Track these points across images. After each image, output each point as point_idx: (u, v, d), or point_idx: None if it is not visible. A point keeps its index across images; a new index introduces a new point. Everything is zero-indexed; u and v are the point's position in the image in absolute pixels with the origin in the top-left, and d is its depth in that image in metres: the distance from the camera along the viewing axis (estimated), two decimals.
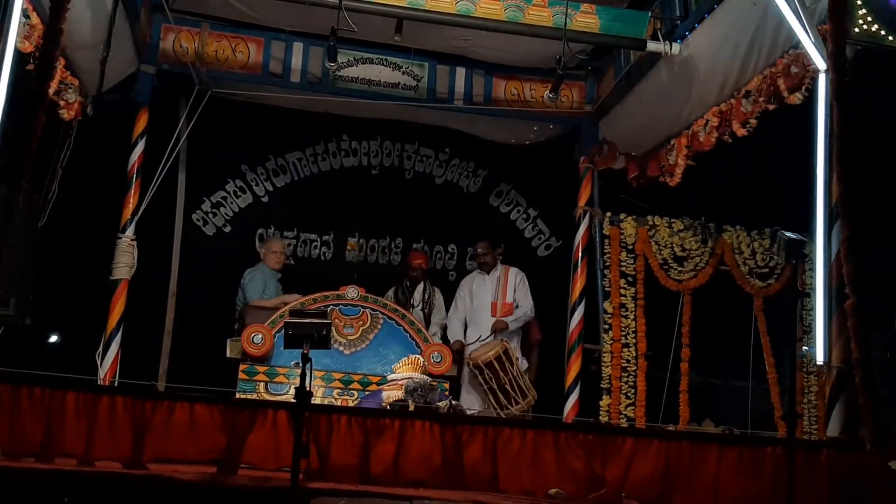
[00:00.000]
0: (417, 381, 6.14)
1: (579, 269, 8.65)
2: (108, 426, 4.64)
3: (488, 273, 8.33)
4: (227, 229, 9.34)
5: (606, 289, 8.27)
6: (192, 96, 8.14)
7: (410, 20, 7.23)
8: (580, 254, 8.69)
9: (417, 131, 9.61)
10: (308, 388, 4.31)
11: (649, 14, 7.27)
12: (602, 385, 8.09)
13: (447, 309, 8.45)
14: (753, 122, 6.57)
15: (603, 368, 8.11)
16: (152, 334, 8.62)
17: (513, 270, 8.33)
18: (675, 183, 7.96)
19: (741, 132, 6.69)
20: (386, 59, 8.68)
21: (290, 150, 9.53)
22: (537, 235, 9.85)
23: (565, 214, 9.33)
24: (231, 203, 9.38)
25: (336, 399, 6.95)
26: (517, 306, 8.15)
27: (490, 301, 8.18)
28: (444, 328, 8.33)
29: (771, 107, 6.32)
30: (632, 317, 8.18)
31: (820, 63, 5.53)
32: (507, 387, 7.21)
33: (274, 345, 6.92)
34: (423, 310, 8.36)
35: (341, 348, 7.12)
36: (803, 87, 5.90)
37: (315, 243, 9.55)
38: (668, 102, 7.66)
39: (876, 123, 6.37)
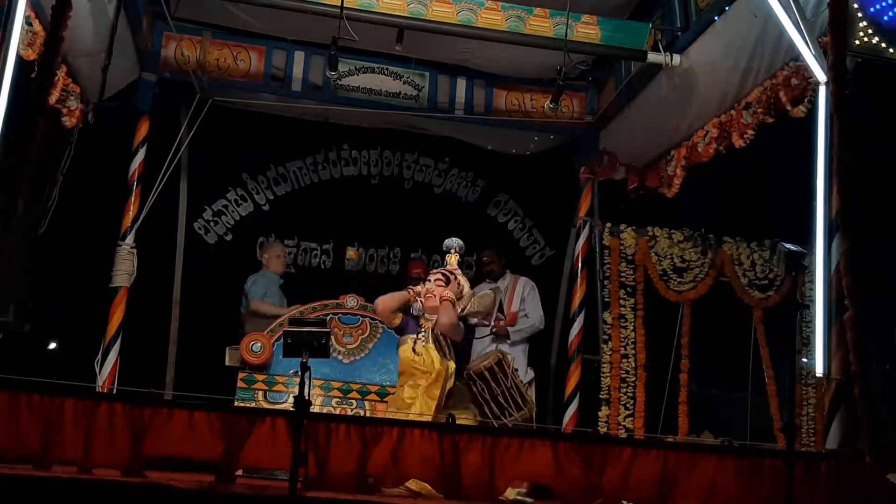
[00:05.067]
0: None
1: (579, 280, 8.67)
2: (107, 433, 4.63)
3: (496, 282, 8.32)
4: (229, 237, 9.37)
5: (606, 299, 8.26)
6: (194, 104, 8.16)
7: (412, 30, 7.24)
8: (580, 264, 8.70)
9: (418, 141, 9.64)
10: (307, 397, 4.30)
11: (650, 25, 7.30)
12: (601, 395, 8.08)
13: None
14: (751, 132, 6.58)
15: (602, 379, 8.10)
16: (153, 342, 8.63)
17: (522, 280, 8.29)
18: (672, 194, 7.97)
19: (739, 143, 6.71)
20: (387, 69, 8.71)
21: (291, 159, 9.56)
22: (532, 245, 9.87)
23: (561, 224, 9.36)
24: (232, 211, 9.40)
25: (335, 408, 6.94)
26: (525, 316, 8.13)
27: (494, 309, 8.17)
28: None
29: (770, 119, 6.33)
30: (631, 327, 8.18)
31: (820, 75, 5.55)
32: (501, 398, 7.14)
33: (273, 353, 6.91)
34: None
35: (340, 357, 7.11)
36: (804, 99, 5.92)
37: (315, 252, 9.57)
38: (669, 113, 7.67)
39: (876, 135, 6.38)
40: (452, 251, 6.44)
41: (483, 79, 8.91)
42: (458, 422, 5.91)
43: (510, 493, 5.72)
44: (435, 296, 6.07)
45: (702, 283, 8.20)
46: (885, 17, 5.61)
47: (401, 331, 6.24)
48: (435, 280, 6.18)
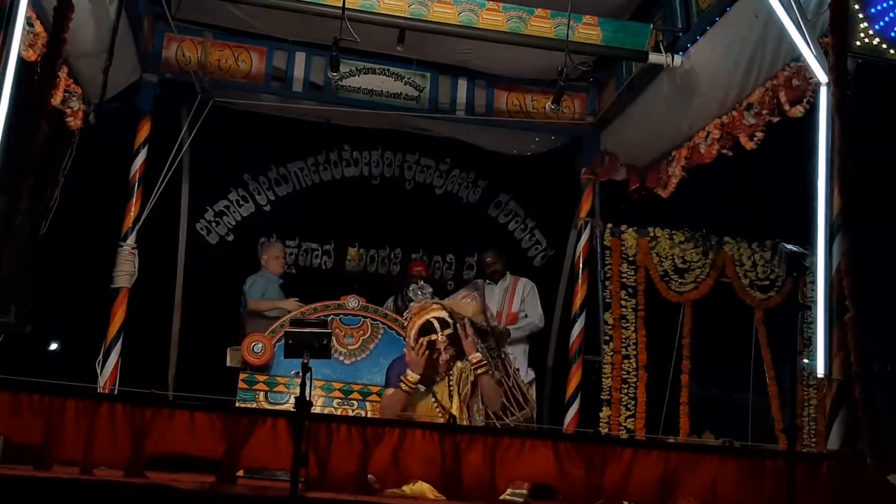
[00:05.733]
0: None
1: (580, 281, 8.67)
2: (108, 434, 4.63)
3: (496, 283, 8.33)
4: (230, 238, 9.39)
5: (607, 300, 8.26)
6: (195, 105, 8.17)
7: (413, 31, 7.24)
8: (581, 265, 8.70)
9: (418, 141, 9.65)
10: (308, 398, 4.31)
11: (651, 26, 7.30)
12: (602, 396, 8.08)
13: None
14: (761, 134, 6.57)
15: (603, 380, 8.11)
16: (155, 343, 8.63)
17: (522, 280, 8.32)
18: (667, 194, 7.97)
19: (749, 145, 6.68)
20: (388, 70, 8.71)
21: (292, 160, 9.58)
22: (534, 246, 9.88)
23: (563, 225, 9.37)
24: (234, 212, 9.41)
25: (336, 409, 6.94)
26: (525, 316, 8.15)
27: (496, 310, 8.17)
28: None
29: (775, 119, 6.33)
30: (632, 328, 8.18)
31: (821, 76, 5.55)
32: (503, 398, 7.16)
33: (274, 354, 6.91)
34: None
35: (341, 358, 7.10)
36: (805, 100, 5.92)
37: (316, 252, 9.58)
38: (670, 114, 7.67)
39: (877, 136, 6.38)
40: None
41: (484, 79, 8.92)
42: None
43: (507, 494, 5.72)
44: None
45: (703, 284, 8.20)
46: (886, 18, 5.61)
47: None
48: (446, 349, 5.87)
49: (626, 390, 8.05)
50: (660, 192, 8.12)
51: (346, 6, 6.55)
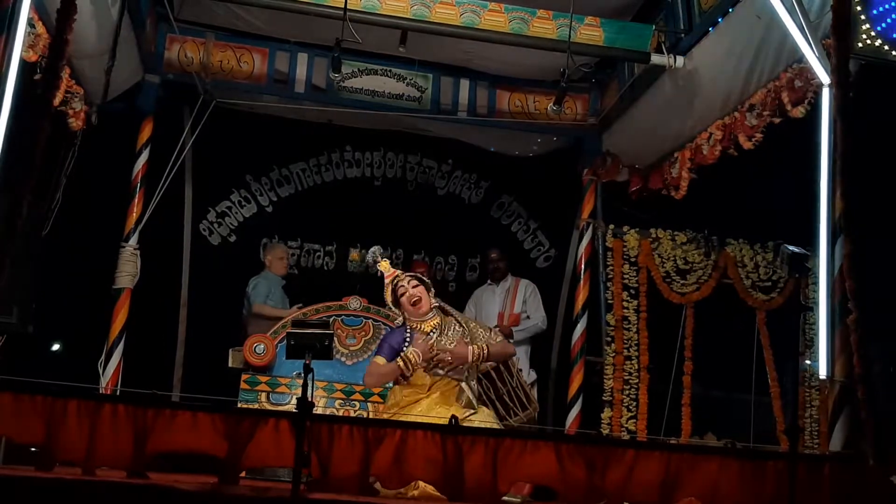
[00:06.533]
0: None
1: (582, 282, 8.66)
2: (110, 435, 4.63)
3: (497, 283, 8.33)
4: (233, 239, 9.40)
5: (609, 301, 8.25)
6: (197, 106, 8.17)
7: (415, 32, 7.25)
8: (583, 266, 8.70)
9: (420, 142, 9.65)
10: (310, 399, 4.31)
11: (653, 27, 7.29)
12: (604, 398, 8.08)
13: None
14: (759, 135, 6.57)
15: (605, 381, 8.10)
16: (159, 344, 8.65)
17: (523, 282, 8.34)
18: (680, 196, 7.95)
19: (747, 146, 6.69)
20: (390, 70, 8.72)
21: (294, 161, 9.59)
22: (536, 247, 9.88)
23: (565, 226, 9.37)
24: (236, 213, 9.42)
25: (338, 409, 6.94)
26: (527, 317, 8.15)
27: (497, 311, 8.19)
28: None
29: (776, 120, 6.32)
30: (634, 329, 8.17)
31: (823, 77, 5.55)
32: (506, 398, 7.16)
33: (276, 355, 6.92)
34: None
35: (343, 359, 7.11)
36: (806, 101, 5.91)
37: (318, 253, 9.59)
38: (672, 115, 7.67)
39: (879, 138, 6.38)
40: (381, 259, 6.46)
41: (486, 80, 8.92)
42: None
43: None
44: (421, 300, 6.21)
45: (705, 285, 8.19)
46: (888, 20, 5.61)
47: None
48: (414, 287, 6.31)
49: (627, 391, 8.05)
50: (672, 193, 8.09)
51: (348, 7, 6.55)
